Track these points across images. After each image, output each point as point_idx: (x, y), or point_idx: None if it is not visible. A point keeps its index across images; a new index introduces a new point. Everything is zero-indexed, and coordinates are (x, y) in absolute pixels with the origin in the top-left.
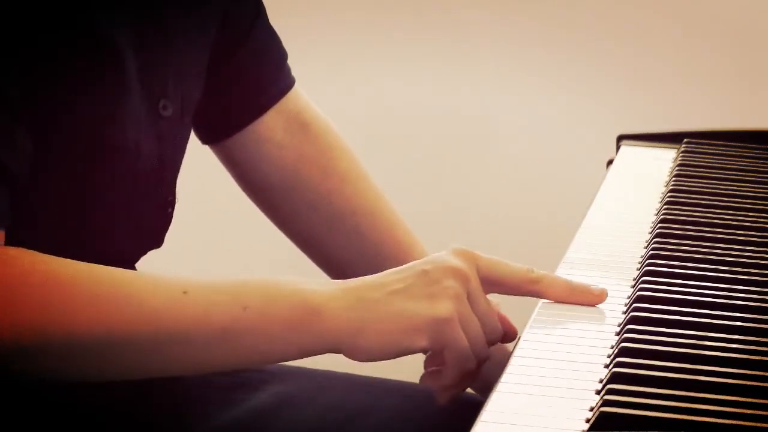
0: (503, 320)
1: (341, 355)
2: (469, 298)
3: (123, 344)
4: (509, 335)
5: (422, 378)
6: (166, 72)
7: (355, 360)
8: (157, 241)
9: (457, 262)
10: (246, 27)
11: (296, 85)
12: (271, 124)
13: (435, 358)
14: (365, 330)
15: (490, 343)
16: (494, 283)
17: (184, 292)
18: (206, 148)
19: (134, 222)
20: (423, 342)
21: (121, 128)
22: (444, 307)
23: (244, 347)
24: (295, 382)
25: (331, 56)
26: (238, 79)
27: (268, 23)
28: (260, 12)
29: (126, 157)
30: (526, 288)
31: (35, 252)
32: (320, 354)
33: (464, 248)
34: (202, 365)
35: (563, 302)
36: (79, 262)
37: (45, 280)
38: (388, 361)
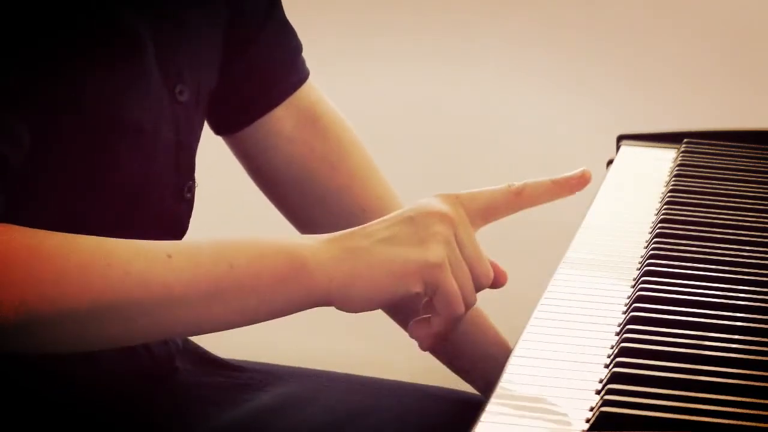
0: (492, 265)
1: (341, 354)
2: (458, 242)
3: (112, 312)
4: (499, 280)
5: (411, 327)
6: (182, 59)
7: (348, 311)
8: (180, 230)
9: (441, 206)
10: (260, 20)
11: (309, 79)
12: (281, 117)
13: (426, 307)
14: (356, 280)
15: (481, 287)
16: (482, 214)
17: (169, 256)
18: (219, 142)
19: (154, 208)
20: (417, 287)
21: (139, 110)
22: (435, 252)
23: (233, 306)
24: (295, 382)
25: (331, 56)
26: (251, 71)
27: (284, 16)
28: (275, 5)
29: (144, 139)
30: (513, 203)
31: (21, 227)
32: (312, 308)
33: (448, 194)
34: (192, 327)
35: (553, 198)
36: (65, 233)
37: (31, 254)
38: (389, 360)
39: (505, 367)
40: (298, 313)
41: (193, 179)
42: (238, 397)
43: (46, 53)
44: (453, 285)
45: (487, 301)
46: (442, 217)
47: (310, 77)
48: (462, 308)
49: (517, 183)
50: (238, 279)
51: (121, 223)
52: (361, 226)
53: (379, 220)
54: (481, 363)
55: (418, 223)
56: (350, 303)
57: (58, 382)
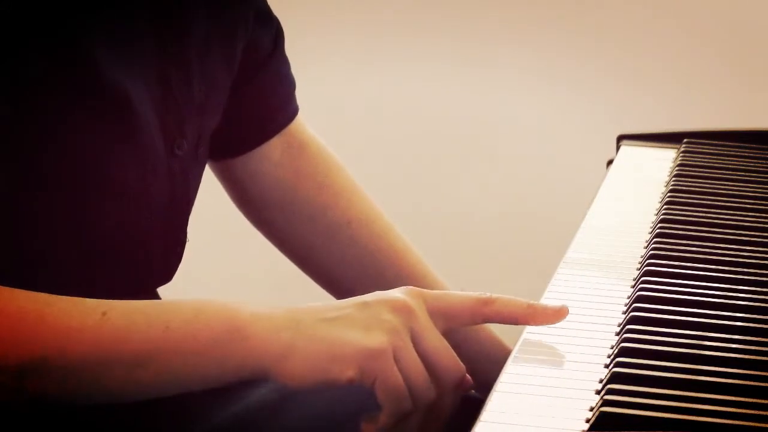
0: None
1: None
2: (415, 335)
3: (39, 369)
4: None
5: (362, 424)
6: (186, 109)
7: (283, 385)
8: (166, 278)
9: (401, 296)
10: (267, 52)
11: None
12: (272, 144)
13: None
14: (292, 353)
15: (447, 384)
16: (446, 315)
17: (104, 313)
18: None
19: (142, 262)
20: (350, 372)
21: (126, 171)
22: (375, 338)
23: (165, 370)
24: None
25: (329, 56)
26: (254, 102)
27: (284, 49)
28: (278, 38)
29: (130, 199)
30: (480, 311)
31: None
32: (246, 379)
33: (413, 287)
34: (122, 392)
35: (520, 323)
36: (3, 287)
37: None
38: None
39: (505, 367)
40: None
41: (185, 233)
42: (238, 393)
43: (29, 111)
44: (394, 375)
45: None
46: (397, 306)
47: (312, 79)
48: (407, 403)
49: (491, 295)
50: (173, 341)
51: (107, 274)
52: (316, 304)
53: (337, 301)
54: (477, 362)
55: (369, 308)
56: (283, 377)
57: None
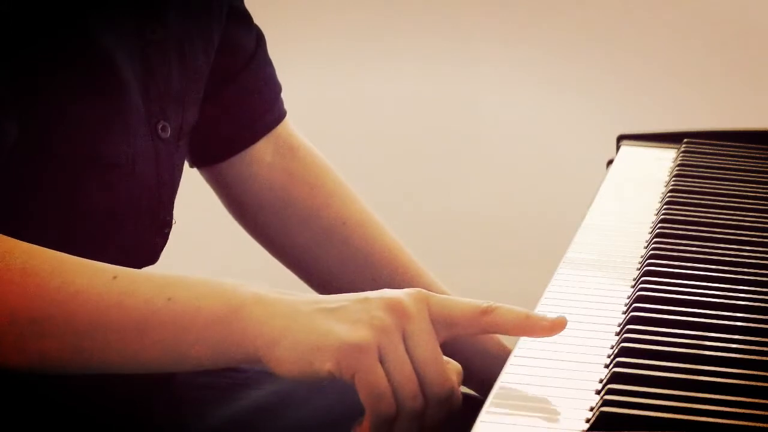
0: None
1: None
2: (409, 338)
3: (43, 326)
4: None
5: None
6: (167, 95)
7: (275, 373)
8: (151, 260)
9: (403, 298)
10: (249, 53)
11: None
12: (262, 147)
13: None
14: (282, 341)
15: (432, 397)
16: (449, 323)
17: (114, 277)
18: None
19: (129, 241)
20: (329, 364)
21: (116, 145)
22: (358, 333)
23: (161, 342)
24: (293, 381)
25: (327, 57)
26: (240, 102)
27: (267, 52)
28: (260, 40)
29: (119, 174)
30: (480, 321)
31: None
32: (240, 363)
33: (422, 290)
34: (118, 360)
35: (518, 333)
36: (14, 239)
37: None
38: None
39: (505, 367)
40: None
41: (171, 216)
42: (235, 396)
43: (27, 82)
44: (375, 373)
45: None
46: (394, 306)
47: (306, 80)
48: (388, 406)
49: (491, 303)
50: (173, 313)
51: (94, 251)
52: (317, 295)
53: (342, 294)
54: (477, 360)
55: (364, 303)
56: (273, 363)
57: (57, 383)
